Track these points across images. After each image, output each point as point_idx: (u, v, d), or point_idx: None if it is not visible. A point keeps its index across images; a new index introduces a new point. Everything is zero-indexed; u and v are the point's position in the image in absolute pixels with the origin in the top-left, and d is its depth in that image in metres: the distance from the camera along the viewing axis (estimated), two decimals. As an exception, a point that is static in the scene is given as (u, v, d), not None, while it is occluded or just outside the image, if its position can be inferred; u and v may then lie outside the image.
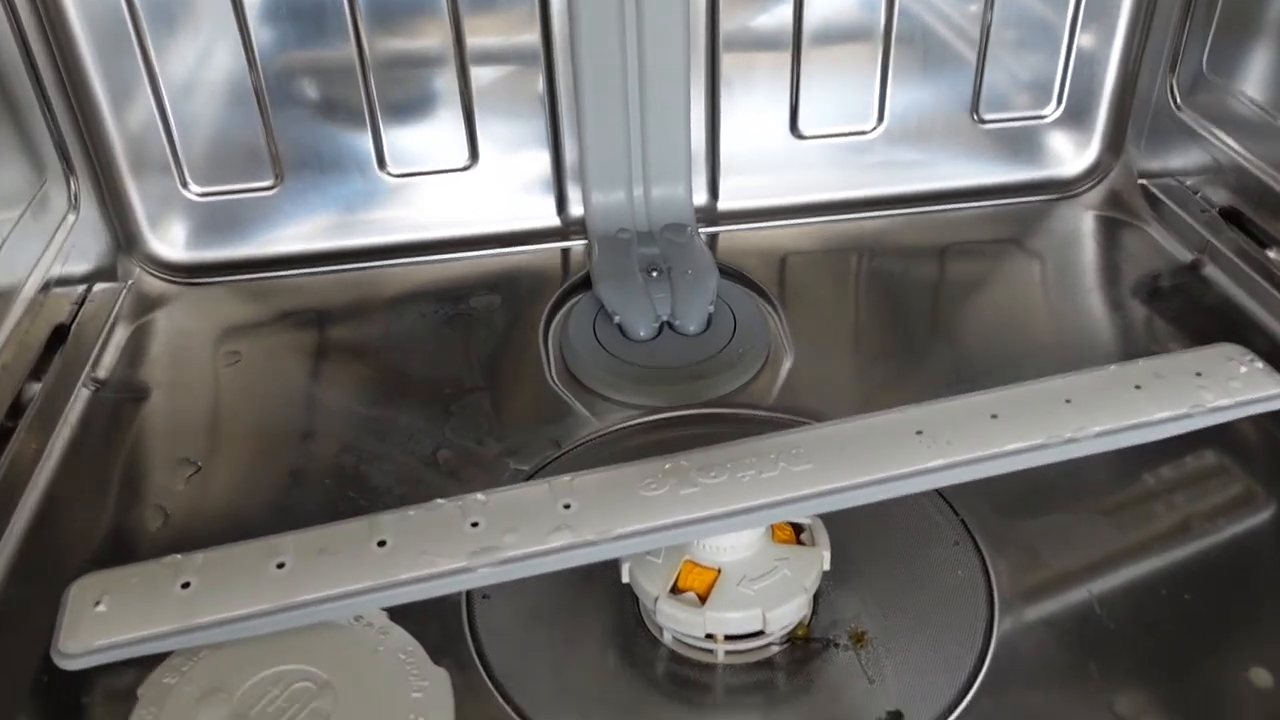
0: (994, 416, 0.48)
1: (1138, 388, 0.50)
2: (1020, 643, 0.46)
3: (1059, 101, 0.77)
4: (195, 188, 0.71)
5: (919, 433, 0.47)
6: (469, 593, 0.49)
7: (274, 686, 0.41)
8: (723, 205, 0.77)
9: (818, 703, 0.44)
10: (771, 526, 0.47)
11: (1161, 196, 0.75)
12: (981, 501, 0.52)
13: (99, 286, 0.68)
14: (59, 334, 0.63)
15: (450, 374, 0.63)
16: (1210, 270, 0.70)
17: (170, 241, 0.73)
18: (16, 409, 0.57)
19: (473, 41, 0.70)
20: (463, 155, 0.73)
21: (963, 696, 0.44)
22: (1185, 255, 0.72)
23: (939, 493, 0.53)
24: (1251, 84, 0.67)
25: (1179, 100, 0.73)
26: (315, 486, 0.56)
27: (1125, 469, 0.55)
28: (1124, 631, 0.46)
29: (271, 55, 0.68)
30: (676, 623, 0.45)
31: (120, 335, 0.67)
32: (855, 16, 0.73)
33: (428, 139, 0.73)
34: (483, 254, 0.75)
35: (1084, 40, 0.75)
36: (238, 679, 0.42)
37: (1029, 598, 0.48)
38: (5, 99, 0.61)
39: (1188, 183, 0.74)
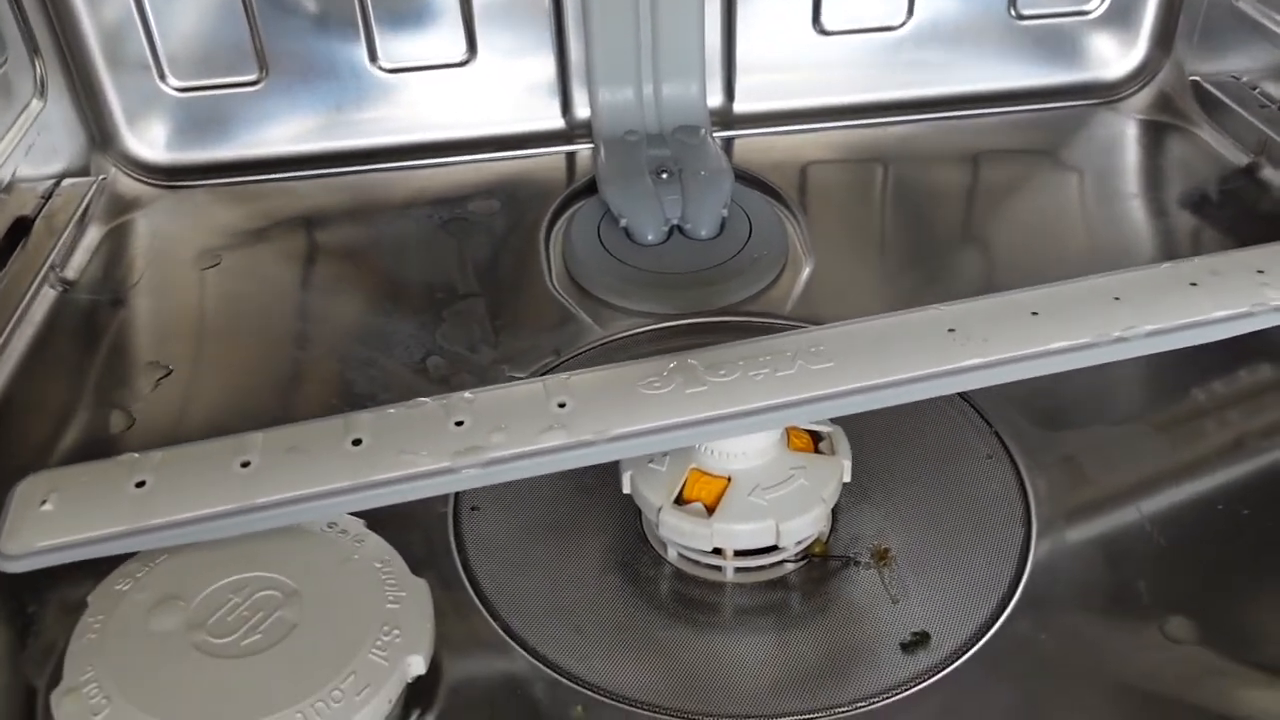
0: (1035, 314, 0.43)
1: (1193, 285, 0.45)
2: (1060, 563, 0.42)
3: (1104, -5, 0.72)
4: (175, 82, 0.67)
5: (951, 330, 0.43)
6: (457, 504, 0.45)
7: (235, 594, 0.37)
8: (739, 108, 0.73)
9: (836, 624, 0.40)
10: (788, 432, 0.43)
11: (1216, 93, 0.69)
12: (1017, 412, 0.48)
13: (68, 182, 0.64)
14: (21, 227, 0.59)
15: (444, 279, 0.59)
16: (1269, 173, 0.65)
17: (149, 141, 0.68)
18: (-30, 303, 0.53)
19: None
20: (460, 50, 0.68)
21: (995, 618, 0.40)
22: (1240, 159, 0.67)
23: (970, 403, 0.49)
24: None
25: (1238, -12, 0.68)
26: (295, 393, 0.52)
27: (1174, 384, 0.51)
28: (1177, 551, 0.42)
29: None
30: (681, 535, 0.41)
31: (93, 236, 0.63)
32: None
33: (423, 38, 0.68)
34: (482, 157, 0.70)
35: (1133, -74, 0.69)
36: (196, 586, 0.38)
37: (1070, 516, 0.44)
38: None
39: (1244, 79, 0.68)
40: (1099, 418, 0.49)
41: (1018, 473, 0.46)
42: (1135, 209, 0.65)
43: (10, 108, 0.60)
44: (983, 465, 0.46)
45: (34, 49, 0.62)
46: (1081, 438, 0.48)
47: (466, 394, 0.42)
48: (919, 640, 0.39)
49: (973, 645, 0.39)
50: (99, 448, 0.49)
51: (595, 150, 0.68)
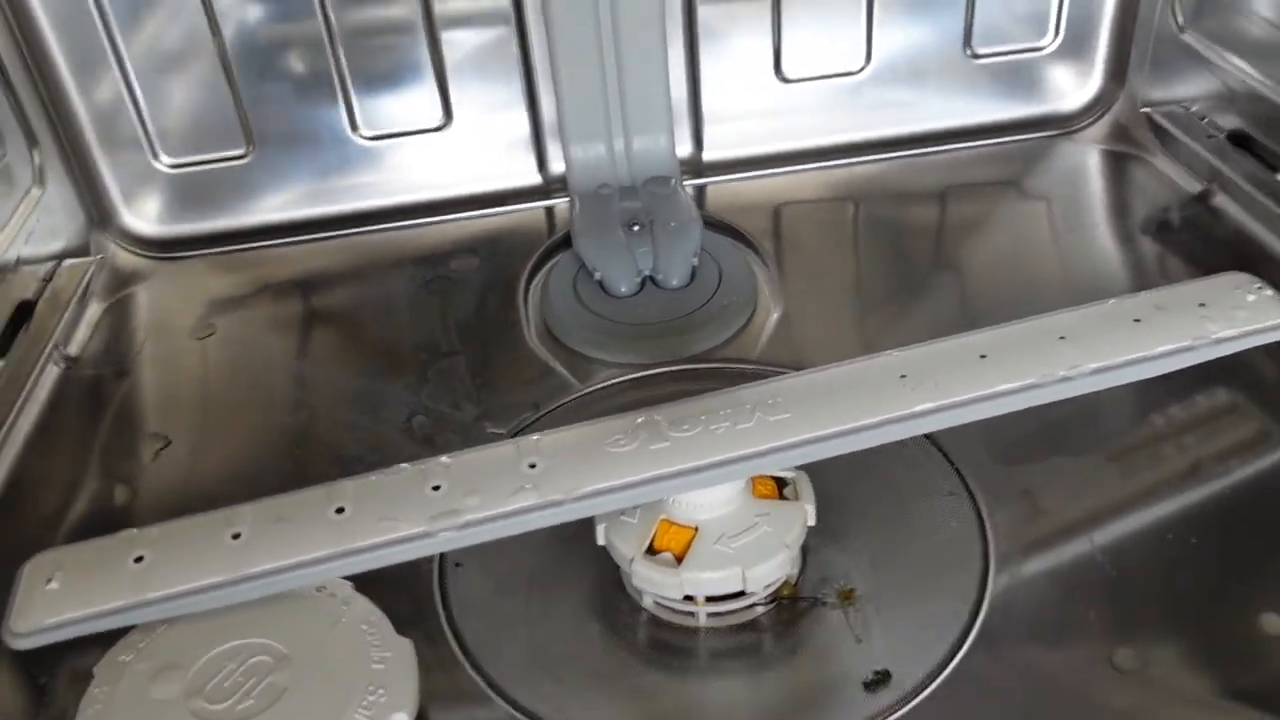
0: (983, 357, 0.45)
1: (1137, 321, 0.47)
2: (1016, 597, 0.44)
3: (1056, 31, 0.74)
4: (166, 159, 0.70)
5: (903, 376, 0.45)
6: (441, 561, 0.47)
7: (230, 661, 0.40)
8: (708, 156, 0.75)
9: (805, 664, 0.42)
10: (752, 481, 0.45)
11: (1167, 125, 0.71)
12: (978, 449, 0.50)
13: (69, 262, 0.66)
14: (24, 311, 0.61)
15: (427, 339, 0.62)
16: (1221, 200, 0.66)
17: (144, 215, 0.71)
18: (-23, 388, 0.56)
19: (441, 7, 0.68)
20: (437, 115, 0.71)
21: (954, 654, 0.41)
22: (1194, 186, 0.69)
23: (933, 441, 0.51)
24: (1262, 1, 0.64)
25: (1182, 22, 0.70)
26: (286, 458, 0.54)
27: (1133, 410, 0.52)
28: (1127, 581, 0.44)
29: (236, 25, 0.66)
30: (653, 584, 0.43)
31: (94, 312, 0.66)
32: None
33: (401, 103, 0.71)
34: (463, 216, 0.73)
35: (1081, -36, 0.72)
36: (193, 654, 0.40)
37: (1027, 549, 0.46)
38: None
39: (1194, 109, 0.70)
40: (1057, 449, 0.50)
41: (977, 508, 0.48)
42: (1101, 237, 0.67)
43: (11, 197, 0.62)
44: (944, 501, 0.48)
45: (32, 140, 0.64)
46: (1040, 470, 0.49)
47: (443, 458, 0.44)
48: (881, 679, 0.41)
49: (931, 682, 0.40)
50: (105, 520, 0.51)
51: (571, 204, 0.70)
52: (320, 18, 0.66)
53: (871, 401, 0.44)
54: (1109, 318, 0.47)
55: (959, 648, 0.42)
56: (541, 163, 0.73)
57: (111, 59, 0.66)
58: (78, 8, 0.64)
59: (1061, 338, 0.46)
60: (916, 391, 0.44)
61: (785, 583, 0.45)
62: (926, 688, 0.40)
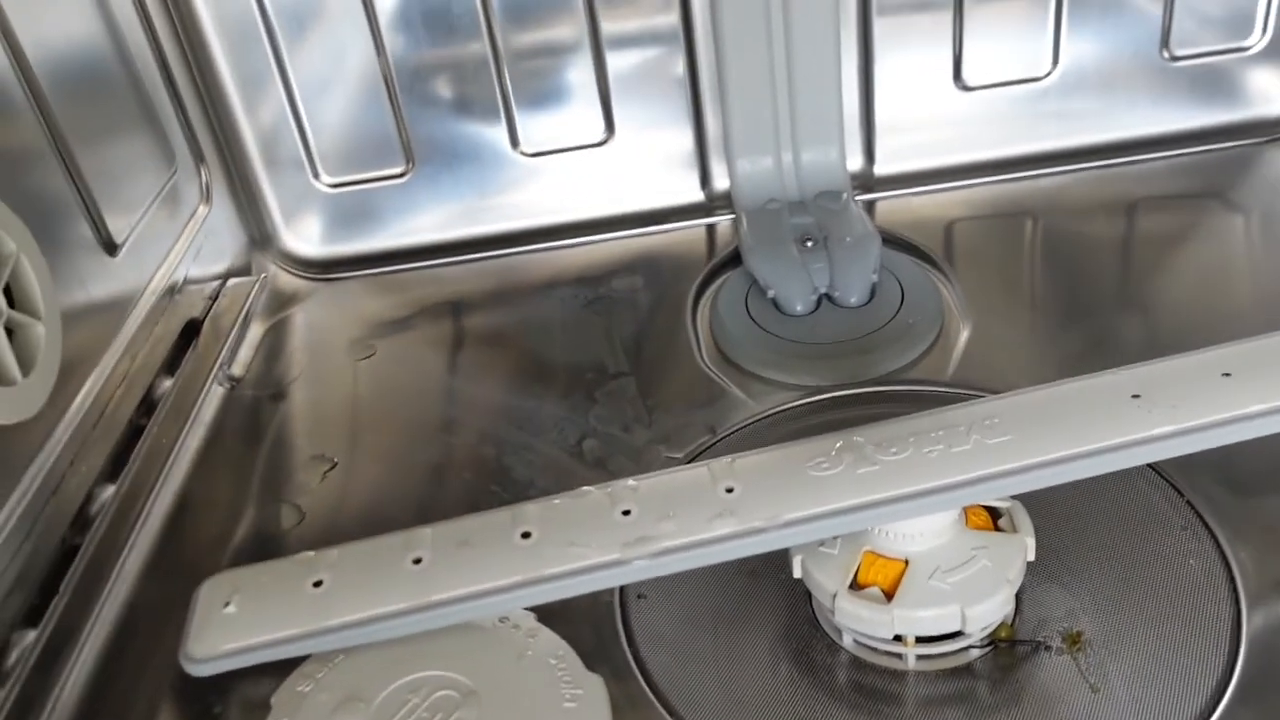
0: (1226, 375, 0.41)
1: (1403, 337, 0.42)
2: (1277, 643, 0.39)
3: (1264, 29, 0.68)
4: (326, 179, 0.69)
5: (1136, 396, 0.40)
6: (623, 592, 0.44)
7: (414, 694, 0.37)
8: (880, 169, 0.71)
9: (1031, 715, 0.38)
10: (965, 510, 0.41)
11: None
12: (1208, 478, 0.45)
13: (232, 282, 0.67)
14: (192, 329, 0.61)
15: (593, 359, 0.59)
16: None
17: (305, 237, 0.71)
18: (149, 405, 0.55)
19: (608, 28, 0.67)
20: (599, 130, 0.69)
21: (1213, 708, 0.37)
22: None
23: (1158, 471, 0.46)
24: None
25: None
26: (455, 480, 0.52)
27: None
28: None
29: (403, 50, 0.66)
30: (859, 622, 0.39)
31: (255, 332, 0.65)
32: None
33: (563, 121, 0.69)
34: (624, 234, 0.71)
35: (1292, -44, 0.66)
36: (375, 686, 0.38)
37: (1282, 589, 0.41)
38: (134, 88, 0.60)
39: None
40: (1300, 480, 0.45)
41: (1217, 544, 0.43)
42: (1313, 255, 0.61)
43: (180, 215, 0.63)
44: (1178, 537, 0.44)
45: (199, 158, 0.65)
46: (1283, 504, 0.44)
47: (630, 481, 0.41)
48: (1126, 733, 0.37)
49: (1189, 739, 0.36)
50: (272, 543, 0.50)
51: (737, 221, 0.68)
52: (486, 38, 0.66)
53: (1103, 424, 0.40)
54: (1370, 334, 0.42)
55: (1218, 700, 0.37)
56: (705, 179, 0.71)
57: (277, 77, 0.66)
58: (247, 26, 0.64)
59: (1316, 355, 0.41)
60: (1153, 413, 0.40)
61: (1002, 624, 0.41)
62: (1185, 747, 0.36)
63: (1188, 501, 0.45)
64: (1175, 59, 0.69)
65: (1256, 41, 0.69)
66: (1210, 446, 0.39)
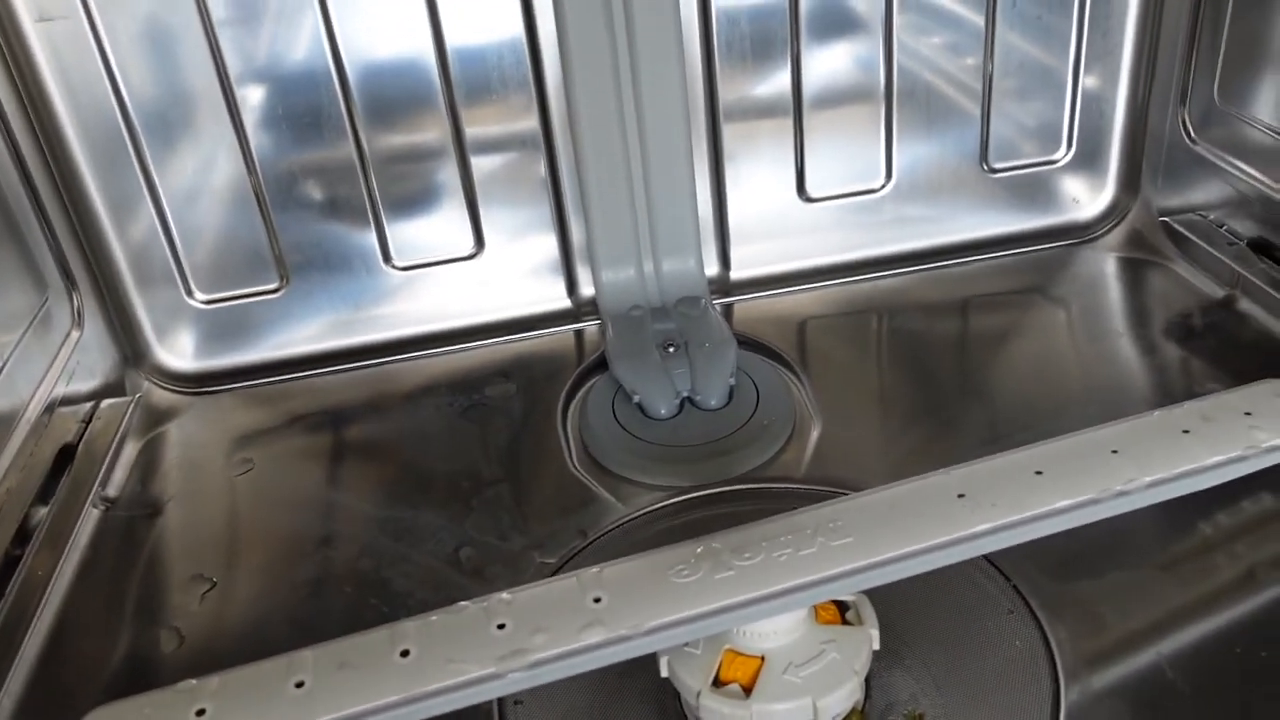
0: (1038, 473, 0.45)
1: (1186, 432, 0.47)
2: (1091, 715, 0.43)
3: (1069, 145, 0.76)
4: (200, 295, 0.70)
5: (961, 495, 0.45)
6: (500, 700, 0.46)
7: (299, 817, 0.38)
8: (735, 274, 0.76)
9: (880, 795, 0.41)
10: (815, 607, 0.45)
11: (1185, 233, 0.73)
12: (1031, 564, 0.50)
13: (106, 402, 0.67)
14: (65, 454, 0.61)
15: (469, 467, 0.62)
16: (1244, 304, 0.68)
17: (178, 352, 0.72)
18: (23, 534, 0.55)
19: (472, 131, 0.69)
20: (468, 243, 0.72)
21: (1037, 778, 0.41)
22: (1216, 291, 0.70)
23: (987, 558, 0.50)
24: (1267, 110, 0.66)
25: (1193, 133, 0.72)
26: (336, 595, 0.54)
27: (1178, 519, 0.52)
28: (1201, 695, 0.43)
29: (270, 158, 0.68)
30: (722, 718, 0.42)
31: (130, 451, 0.66)
32: (854, 78, 0.72)
33: (432, 230, 0.72)
34: (495, 342, 0.73)
35: (1089, 81, 0.74)
36: (260, 812, 0.39)
37: (1094, 665, 0.45)
38: (4, 217, 0.61)
39: (1211, 216, 0.72)
40: (1108, 561, 0.50)
41: (1039, 624, 0.47)
42: (1125, 345, 0.67)
43: (52, 341, 0.63)
44: (1005, 620, 0.48)
45: (71, 283, 0.65)
46: (1094, 584, 0.49)
47: (504, 595, 0.43)
48: (963, 808, 0.40)
49: (1017, 809, 0.40)
50: (152, 669, 0.50)
51: (603, 327, 0.71)
52: (352, 140, 0.68)
53: (933, 523, 0.44)
54: (1158, 430, 0.48)
55: (1041, 771, 0.41)
56: (571, 287, 0.75)
57: (146, 194, 0.67)
58: (115, 145, 0.65)
59: (1114, 451, 0.46)
60: (975, 512, 0.44)
61: (853, 709, 0.44)
62: (1014, 817, 0.39)
63: (1014, 586, 0.49)
64: (994, 171, 0.76)
65: (1064, 155, 0.76)
66: (1026, 539, 0.44)
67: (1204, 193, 0.72)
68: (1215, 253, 0.70)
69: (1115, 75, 0.74)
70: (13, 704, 0.48)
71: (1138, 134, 0.76)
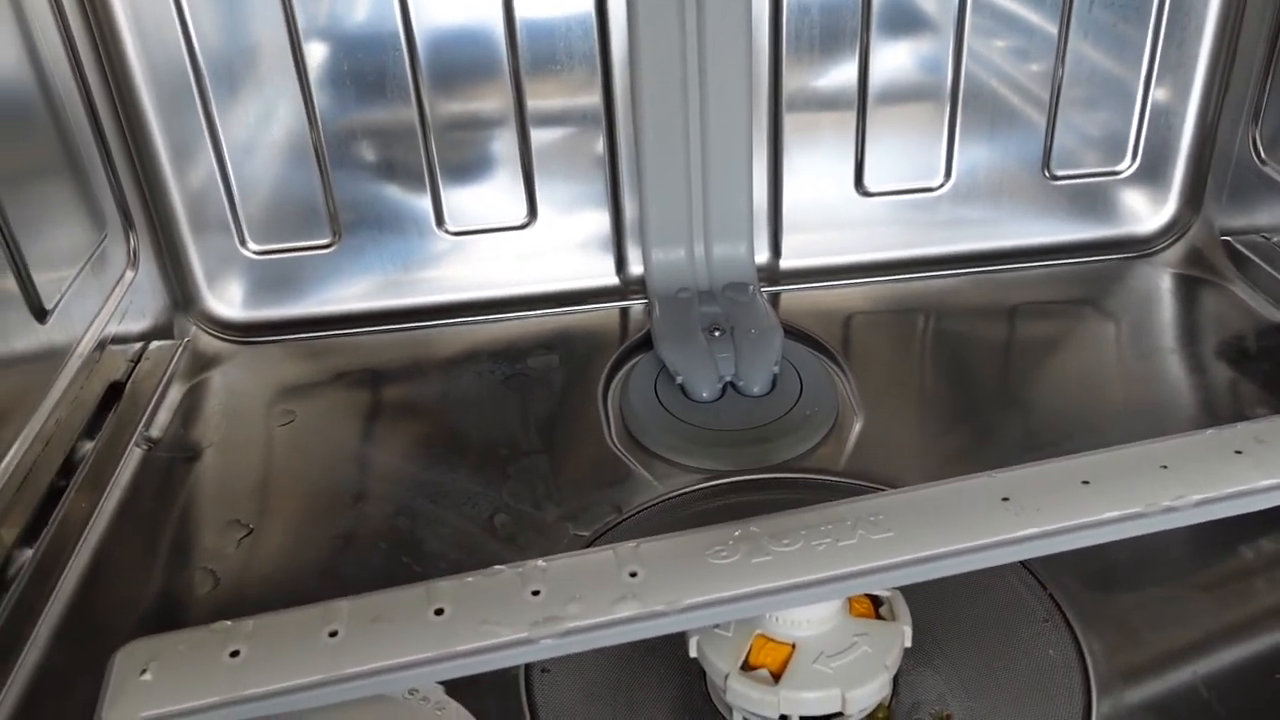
0: (1086, 482, 0.45)
1: (1238, 453, 0.46)
2: (1121, 729, 0.43)
3: (1134, 157, 0.75)
4: (253, 246, 0.71)
5: (1005, 499, 0.44)
6: (528, 666, 0.47)
7: (325, 763, 0.39)
8: (785, 264, 0.76)
9: (902, 791, 0.41)
10: (849, 599, 0.44)
11: (1247, 253, 0.72)
12: (1070, 575, 0.50)
13: (155, 344, 0.67)
14: (114, 391, 0.62)
15: (507, 435, 0.62)
16: (1302, 330, 0.67)
17: (227, 300, 0.72)
18: (69, 467, 0.56)
19: (534, 103, 0.69)
20: (521, 213, 0.72)
21: (1062, 786, 0.40)
22: (1274, 315, 0.69)
23: (1024, 565, 0.50)
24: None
25: (1263, 153, 0.71)
26: (368, 550, 0.54)
27: (1221, 542, 0.52)
28: (1237, 719, 0.43)
29: (332, 115, 0.68)
30: (748, 702, 0.42)
31: (175, 394, 0.66)
32: (921, 76, 0.72)
33: (486, 198, 0.72)
34: (541, 313, 0.74)
35: (1159, 94, 0.73)
36: (287, 755, 0.39)
37: (1128, 679, 0.45)
38: (68, 154, 0.61)
39: (1275, 239, 0.71)
40: (1148, 577, 0.50)
41: (1074, 635, 0.47)
42: (1174, 363, 0.67)
43: (107, 279, 0.64)
44: (1040, 628, 0.48)
45: (129, 223, 0.66)
46: (1132, 598, 0.49)
47: (540, 562, 0.43)
48: (986, 811, 0.40)
49: (1040, 816, 0.39)
50: (186, 609, 0.51)
51: (650, 307, 0.71)
52: (415, 104, 0.68)
53: (976, 524, 0.43)
54: (1210, 448, 0.47)
55: (1067, 783, 0.41)
56: (620, 264, 0.75)
57: (208, 143, 0.67)
58: (181, 90, 0.66)
59: (1164, 466, 0.46)
60: (1020, 515, 0.43)
61: (880, 705, 0.44)
62: (1036, 824, 0.39)
63: (1050, 595, 0.49)
64: (1055, 178, 0.75)
65: (1128, 166, 0.75)
66: (1070, 548, 0.43)
67: (1270, 214, 0.71)
68: (1277, 275, 0.69)
69: (1187, 89, 0.73)
70: (49, 632, 0.49)
71: (1205, 150, 0.74)
